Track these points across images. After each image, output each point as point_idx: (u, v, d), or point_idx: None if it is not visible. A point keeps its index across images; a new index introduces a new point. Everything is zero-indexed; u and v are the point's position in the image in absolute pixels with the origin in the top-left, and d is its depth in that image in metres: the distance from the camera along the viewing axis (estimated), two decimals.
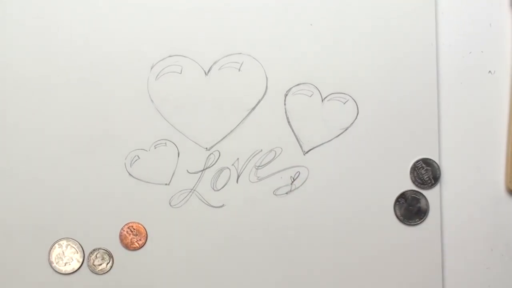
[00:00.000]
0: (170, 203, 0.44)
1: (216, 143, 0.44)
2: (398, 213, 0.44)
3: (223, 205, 0.44)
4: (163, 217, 0.44)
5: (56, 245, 0.43)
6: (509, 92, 0.44)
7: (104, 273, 0.44)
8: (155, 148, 0.44)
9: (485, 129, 0.44)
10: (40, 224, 0.43)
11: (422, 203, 0.44)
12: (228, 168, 0.44)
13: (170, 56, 0.44)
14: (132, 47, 0.43)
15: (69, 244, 0.43)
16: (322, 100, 0.44)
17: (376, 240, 0.44)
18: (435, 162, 0.44)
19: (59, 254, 0.43)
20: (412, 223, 0.44)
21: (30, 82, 0.43)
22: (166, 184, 0.44)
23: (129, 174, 0.44)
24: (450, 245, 0.44)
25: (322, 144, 0.44)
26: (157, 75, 0.44)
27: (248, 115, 0.44)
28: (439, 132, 0.44)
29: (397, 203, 0.44)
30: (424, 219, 0.44)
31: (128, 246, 0.44)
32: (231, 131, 0.44)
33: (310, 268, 0.44)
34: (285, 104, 0.44)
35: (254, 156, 0.44)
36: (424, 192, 0.44)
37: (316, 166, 0.44)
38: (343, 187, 0.44)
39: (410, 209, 0.44)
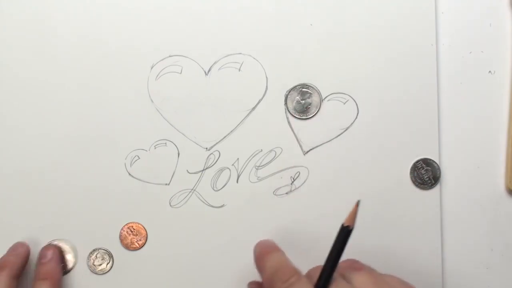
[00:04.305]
0: (170, 203, 0.44)
1: (216, 143, 0.44)
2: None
3: (223, 205, 0.44)
4: (163, 217, 0.44)
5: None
6: (509, 92, 0.44)
7: (104, 273, 0.44)
8: (155, 148, 0.44)
9: (485, 129, 0.44)
10: (40, 224, 0.43)
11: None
12: (228, 168, 0.44)
13: (170, 56, 0.44)
14: (132, 47, 0.43)
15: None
16: (322, 100, 0.44)
17: (377, 240, 0.44)
18: (435, 162, 0.44)
19: None
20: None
21: (30, 82, 0.43)
22: (166, 184, 0.44)
23: (129, 174, 0.44)
24: (450, 245, 0.44)
25: (322, 144, 0.44)
26: (157, 75, 0.44)
27: (248, 115, 0.44)
28: (439, 132, 0.44)
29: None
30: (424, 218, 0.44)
31: (128, 246, 0.44)
32: (231, 131, 0.44)
33: (309, 268, 0.44)
34: (285, 104, 0.44)
35: (254, 156, 0.44)
36: (424, 192, 0.44)
37: (316, 166, 0.44)
38: (343, 187, 0.44)
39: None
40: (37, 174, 0.43)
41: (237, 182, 0.44)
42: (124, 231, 0.44)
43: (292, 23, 0.44)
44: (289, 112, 0.44)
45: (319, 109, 0.44)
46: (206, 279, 0.44)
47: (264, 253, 0.38)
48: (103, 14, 0.43)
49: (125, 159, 0.44)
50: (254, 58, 0.44)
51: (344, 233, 0.35)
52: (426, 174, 0.43)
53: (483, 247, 0.44)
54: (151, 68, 0.44)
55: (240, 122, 0.44)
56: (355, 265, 0.37)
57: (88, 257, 0.44)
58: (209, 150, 0.44)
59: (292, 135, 0.44)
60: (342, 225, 0.35)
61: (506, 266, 0.44)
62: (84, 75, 0.44)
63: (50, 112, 0.43)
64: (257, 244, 0.41)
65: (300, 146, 0.44)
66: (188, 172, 0.44)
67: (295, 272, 0.35)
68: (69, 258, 0.43)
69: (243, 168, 0.44)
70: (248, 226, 0.44)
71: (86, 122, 0.43)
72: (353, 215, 0.35)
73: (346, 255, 0.45)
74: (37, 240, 0.43)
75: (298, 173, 0.44)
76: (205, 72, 0.44)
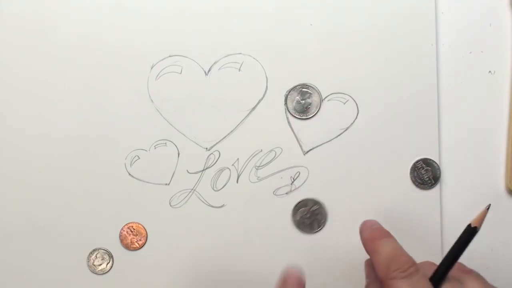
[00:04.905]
0: (170, 203, 0.44)
1: (216, 143, 0.44)
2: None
3: (223, 205, 0.44)
4: (163, 217, 0.44)
5: None
6: (509, 92, 0.44)
7: (104, 273, 0.44)
8: (155, 148, 0.44)
9: (485, 129, 0.44)
10: (40, 224, 0.43)
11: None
12: (228, 168, 0.44)
13: (170, 56, 0.44)
14: (132, 47, 0.43)
15: None
16: (322, 100, 0.44)
17: None
18: (435, 162, 0.44)
19: None
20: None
21: (30, 82, 0.43)
22: (166, 184, 0.44)
23: (129, 174, 0.44)
24: (450, 245, 0.44)
25: (322, 144, 0.44)
26: (157, 75, 0.44)
27: (248, 115, 0.44)
28: (439, 132, 0.44)
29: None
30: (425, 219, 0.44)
31: (128, 246, 0.44)
32: (231, 131, 0.44)
33: (310, 268, 0.44)
34: (285, 104, 0.44)
35: (254, 156, 0.44)
36: (424, 192, 0.44)
37: (316, 166, 0.44)
38: (343, 187, 0.44)
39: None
40: (37, 174, 0.43)
41: (237, 182, 0.44)
42: (124, 231, 0.44)
43: (292, 23, 0.44)
44: (289, 112, 0.44)
45: (319, 109, 0.44)
46: (206, 279, 0.44)
47: (377, 237, 0.38)
48: (103, 14, 0.43)
49: (125, 159, 0.44)
50: (254, 58, 0.44)
51: (469, 233, 0.35)
52: (426, 174, 0.43)
53: (483, 247, 0.44)
54: (151, 68, 0.44)
55: (240, 122, 0.44)
56: (464, 268, 0.37)
57: (88, 257, 0.44)
58: (209, 150, 0.44)
59: (292, 135, 0.44)
60: (469, 225, 0.35)
61: (506, 266, 0.44)
62: (84, 75, 0.44)
63: (50, 112, 0.43)
64: (365, 225, 0.40)
65: (300, 146, 0.44)
66: (188, 172, 0.44)
67: (413, 262, 0.36)
68: None
69: (243, 168, 0.44)
70: (248, 226, 0.44)
71: (86, 122, 0.44)
72: (483, 217, 0.35)
73: (348, 254, 0.45)
74: (37, 240, 0.43)
75: (298, 173, 0.44)
76: (205, 72, 0.44)
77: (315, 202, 0.44)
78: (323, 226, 0.44)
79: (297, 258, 0.44)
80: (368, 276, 0.40)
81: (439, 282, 0.35)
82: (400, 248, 0.37)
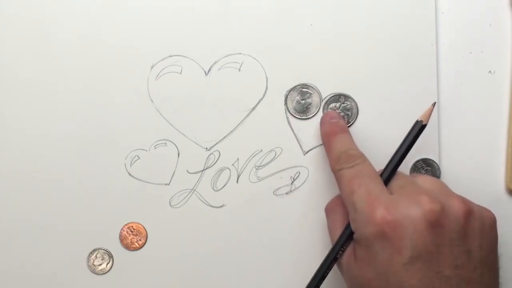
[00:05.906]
0: (170, 203, 0.44)
1: (216, 143, 0.44)
2: None
3: (223, 205, 0.44)
4: (163, 217, 0.44)
5: None
6: (509, 92, 0.44)
7: (104, 273, 0.44)
8: (155, 148, 0.44)
9: (485, 129, 0.44)
10: (40, 224, 0.43)
11: None
12: (228, 168, 0.44)
13: (170, 56, 0.44)
14: (132, 47, 0.43)
15: None
16: (322, 100, 0.44)
17: None
18: (435, 162, 0.44)
19: None
20: None
21: (30, 82, 0.43)
22: (166, 184, 0.44)
23: (129, 174, 0.44)
24: None
25: (322, 144, 0.44)
26: (157, 75, 0.44)
27: (248, 115, 0.44)
28: (439, 132, 0.44)
29: None
30: None
31: (128, 246, 0.44)
32: (231, 131, 0.44)
33: (310, 268, 0.44)
34: (285, 104, 0.44)
35: (254, 156, 0.44)
36: None
37: (316, 166, 0.44)
38: None
39: None
40: (37, 174, 0.43)
41: (237, 182, 0.44)
42: (124, 231, 0.44)
43: (292, 23, 0.44)
44: (289, 112, 0.44)
45: (319, 109, 0.44)
46: (206, 279, 0.44)
47: (333, 132, 0.41)
48: (103, 14, 0.43)
49: (125, 159, 0.44)
50: (254, 58, 0.44)
51: (417, 128, 0.37)
52: (426, 174, 0.43)
53: None
54: (151, 68, 0.44)
55: (240, 122, 0.44)
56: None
57: (88, 257, 0.44)
58: (209, 150, 0.44)
59: (292, 135, 0.44)
60: (417, 120, 0.37)
61: (506, 266, 0.44)
62: (84, 75, 0.44)
63: (50, 112, 0.43)
64: (325, 118, 0.42)
65: (300, 146, 0.44)
66: (188, 172, 0.44)
67: (361, 156, 0.38)
68: None
69: (243, 168, 0.44)
70: (248, 226, 0.44)
71: (86, 122, 0.44)
72: (429, 112, 0.38)
73: None
74: (37, 240, 0.43)
75: (298, 173, 0.44)
76: (205, 72, 0.44)
77: None
78: None
79: (298, 257, 0.44)
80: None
81: (389, 175, 0.37)
82: (352, 143, 0.40)
